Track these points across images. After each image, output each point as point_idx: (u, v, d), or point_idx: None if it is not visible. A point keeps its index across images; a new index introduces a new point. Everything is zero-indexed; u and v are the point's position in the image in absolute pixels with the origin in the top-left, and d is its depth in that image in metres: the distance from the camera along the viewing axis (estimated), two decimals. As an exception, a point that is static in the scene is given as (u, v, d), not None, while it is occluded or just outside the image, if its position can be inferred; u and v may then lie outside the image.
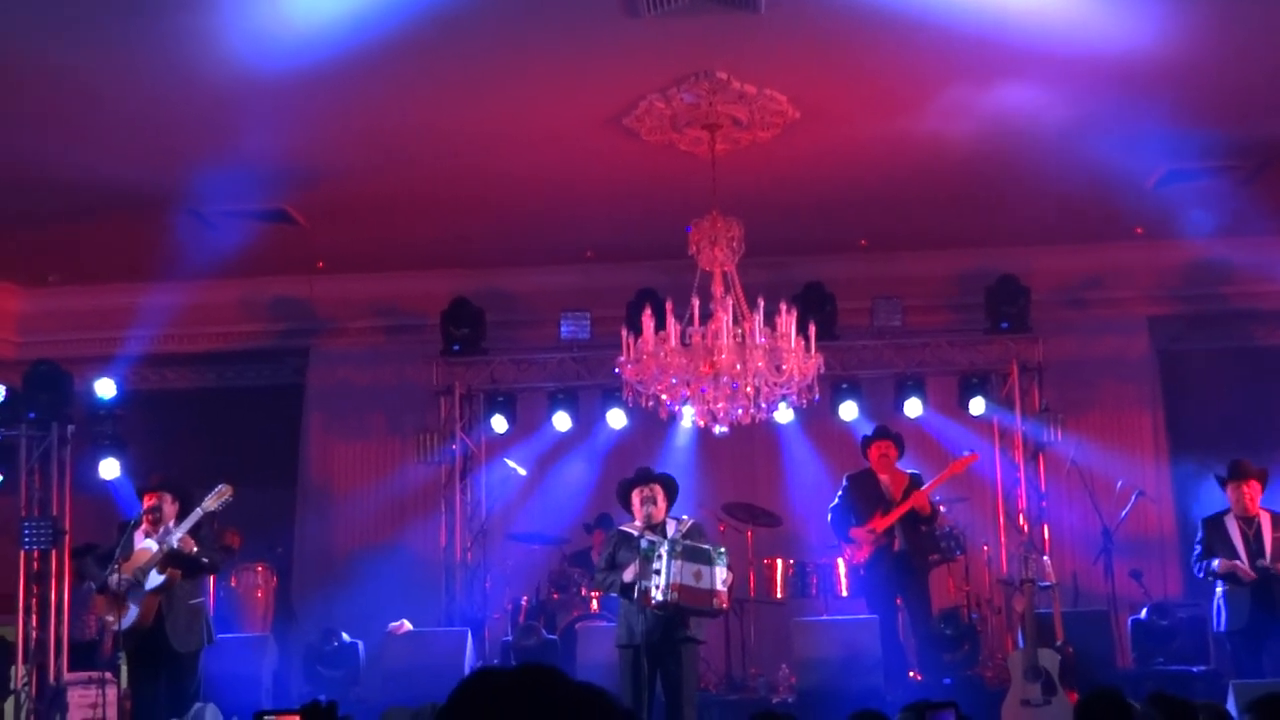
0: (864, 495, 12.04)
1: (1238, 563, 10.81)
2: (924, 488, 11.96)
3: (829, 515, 12.25)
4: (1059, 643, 10.95)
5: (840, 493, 12.21)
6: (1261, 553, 10.77)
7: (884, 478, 12.07)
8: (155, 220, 12.40)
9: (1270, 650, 10.73)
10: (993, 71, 9.92)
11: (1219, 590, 10.99)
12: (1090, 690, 6.15)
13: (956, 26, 9.11)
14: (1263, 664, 10.66)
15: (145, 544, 10.00)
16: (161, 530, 9.98)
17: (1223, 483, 11.09)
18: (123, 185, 11.64)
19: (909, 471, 12.14)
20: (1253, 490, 10.93)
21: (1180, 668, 11.93)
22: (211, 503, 9.90)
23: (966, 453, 12.61)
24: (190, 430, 15.09)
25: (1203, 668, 11.89)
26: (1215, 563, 10.87)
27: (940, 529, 12.62)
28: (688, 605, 9.59)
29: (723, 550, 9.88)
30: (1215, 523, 11.08)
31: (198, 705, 8.69)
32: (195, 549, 9.91)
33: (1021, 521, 13.71)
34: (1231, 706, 8.97)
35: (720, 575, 9.65)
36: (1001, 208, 12.81)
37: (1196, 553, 11.19)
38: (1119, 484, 13.22)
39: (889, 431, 12.35)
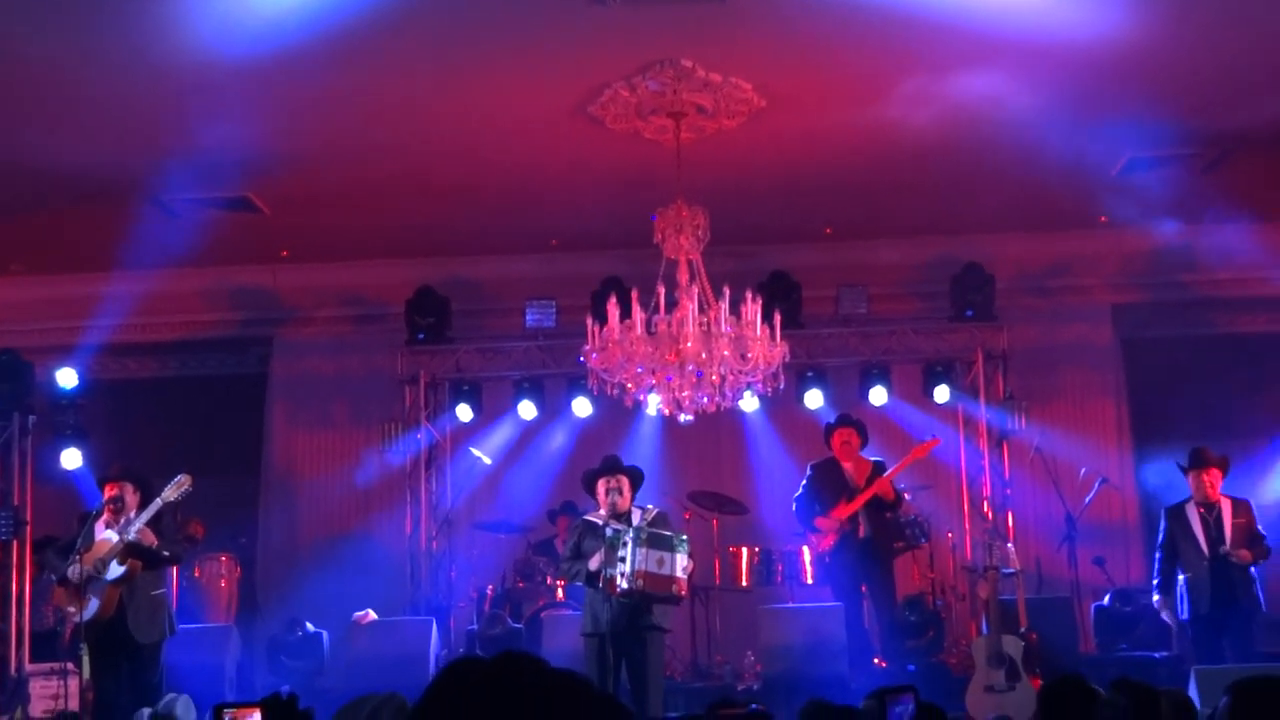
0: (828, 483, 12.05)
1: (1165, 614, 11.12)
2: (887, 474, 11.98)
3: (794, 504, 12.26)
4: (1023, 629, 11.01)
5: (804, 481, 12.22)
6: (1222, 539, 10.84)
7: (847, 465, 12.08)
8: (118, 208, 12.31)
9: (1230, 636, 10.81)
10: (957, 59, 9.93)
11: (1181, 578, 11.05)
12: (1055, 676, 6.17)
13: (921, 14, 9.12)
14: (1223, 650, 10.73)
15: (106, 535, 9.92)
16: (122, 521, 9.91)
17: (1184, 471, 11.15)
18: (85, 173, 11.56)
19: (872, 459, 12.16)
20: (1213, 478, 11.00)
21: (1143, 654, 12.01)
22: (171, 493, 9.83)
23: (929, 438, 12.64)
24: (153, 420, 15.02)
25: (1165, 654, 11.97)
26: (1155, 599, 11.08)
27: (905, 516, 12.65)
28: (652, 592, 9.61)
29: (685, 538, 9.89)
30: (1177, 512, 11.14)
31: (170, 696, 8.64)
32: (155, 540, 9.84)
33: (986, 509, 13.76)
34: (1193, 692, 9.03)
35: (681, 563, 9.67)
36: (966, 196, 12.83)
37: (1159, 541, 11.25)
38: (1082, 471, 13.29)
39: (851, 419, 12.36)
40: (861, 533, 11.88)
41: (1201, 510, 10.99)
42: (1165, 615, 11.16)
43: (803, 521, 12.18)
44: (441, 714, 2.27)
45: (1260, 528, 11.04)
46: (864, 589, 12.03)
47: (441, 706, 2.27)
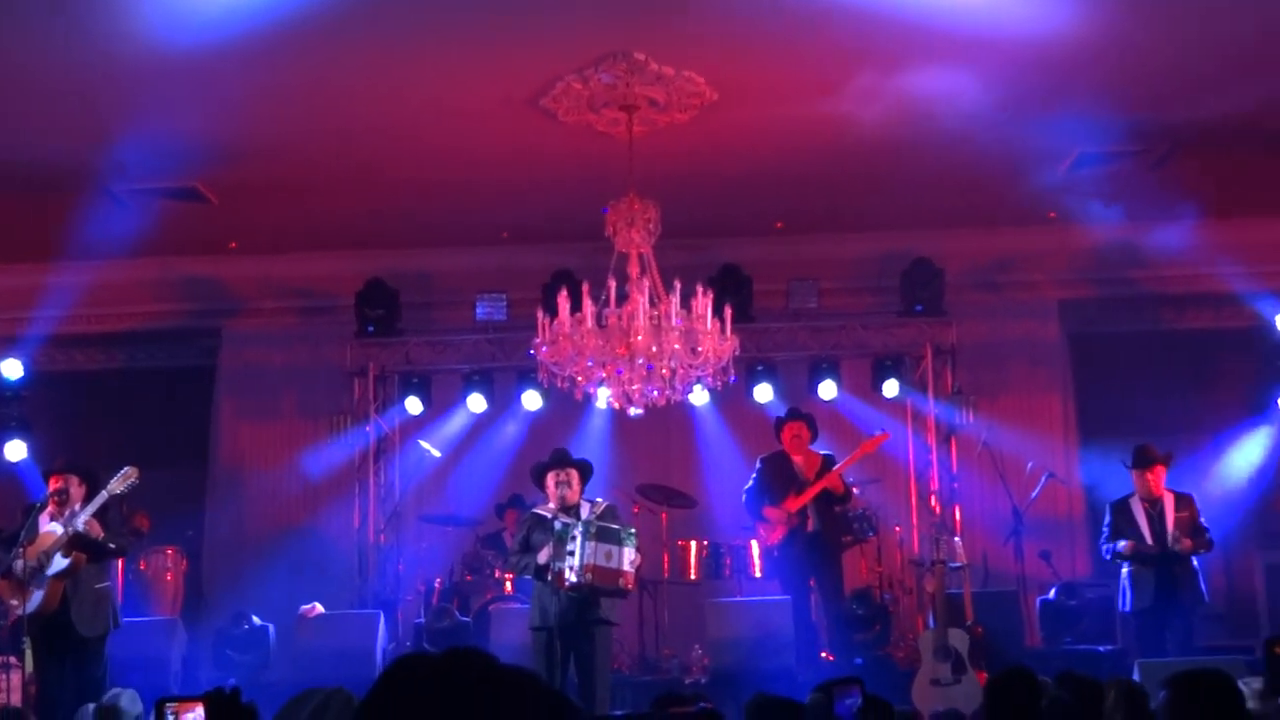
0: (777, 476, 12.06)
1: (1135, 543, 10.99)
2: (836, 468, 12.00)
3: (743, 496, 12.27)
4: (969, 622, 11.08)
5: (754, 474, 12.23)
6: (1165, 533, 10.96)
7: (797, 459, 12.10)
8: (64, 198, 12.17)
9: (1173, 629, 10.92)
10: (908, 55, 9.97)
11: (1124, 571, 11.16)
12: (1001, 669, 6.20)
13: (873, 10, 9.15)
14: (1166, 642, 10.83)
15: (50, 527, 9.82)
16: (67, 514, 9.82)
17: (1129, 468, 11.26)
18: (31, 162, 11.47)
19: (822, 453, 12.18)
20: (1156, 475, 11.14)
21: (1088, 647, 12.09)
22: (117, 485, 9.74)
23: (878, 432, 12.68)
24: (99, 412, 14.90)
25: (1110, 647, 12.06)
26: (1121, 544, 11.04)
27: (853, 510, 12.69)
28: (599, 585, 9.61)
29: (633, 531, 9.90)
30: (1121, 506, 11.26)
31: (115, 690, 8.55)
32: (100, 533, 9.76)
33: (933, 503, 13.83)
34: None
35: (629, 556, 9.68)
36: (917, 191, 12.87)
37: (1104, 535, 11.35)
38: (1029, 466, 13.37)
39: (801, 413, 12.38)
40: (810, 526, 11.90)
41: (1146, 505, 11.11)
42: (1122, 545, 11.10)
43: (752, 514, 12.20)
44: (388, 710, 2.25)
45: (1203, 521, 11.18)
46: (812, 582, 12.05)
47: (388, 702, 2.25)
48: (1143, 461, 11.16)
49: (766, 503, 12.01)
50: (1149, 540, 10.99)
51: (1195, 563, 11.04)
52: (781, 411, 12.69)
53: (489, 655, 2.29)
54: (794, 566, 11.97)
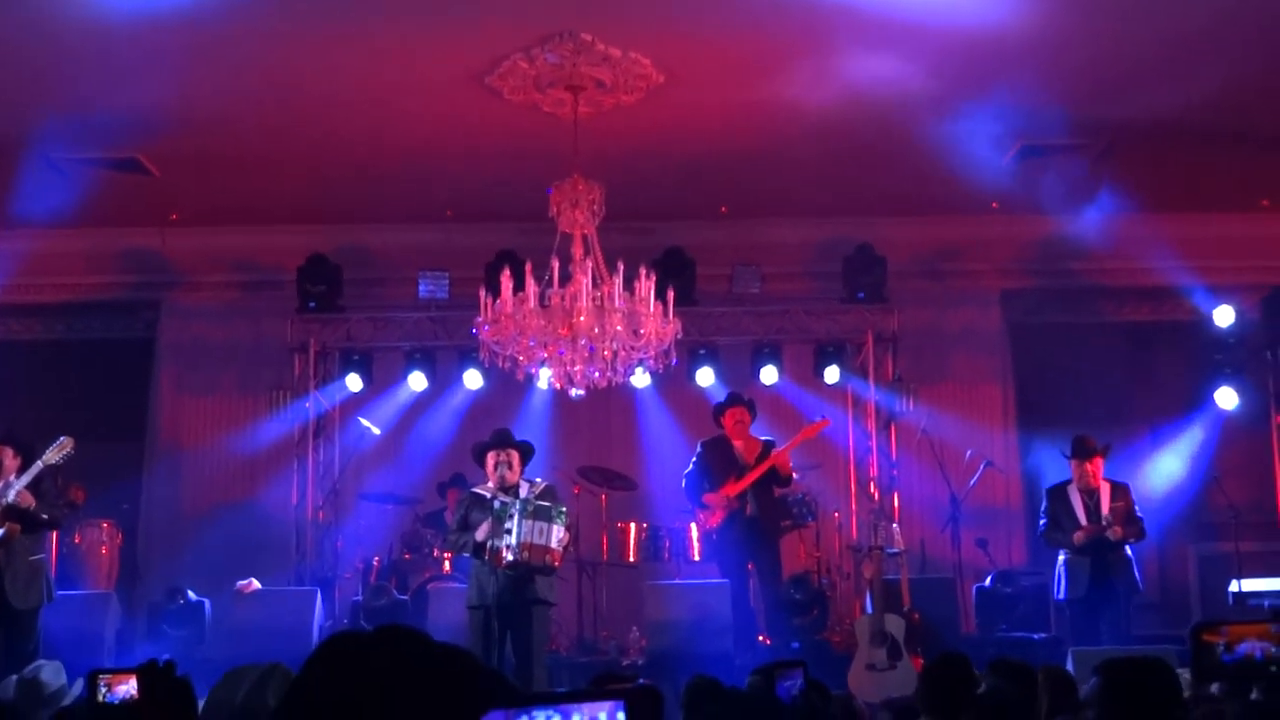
0: (718, 461, 12.10)
1: (1088, 526, 11.06)
2: (777, 451, 12.03)
3: (683, 480, 12.30)
4: (905, 608, 11.14)
5: (694, 458, 12.26)
6: (1099, 520, 11.08)
7: (738, 444, 12.13)
8: (2, 166, 12.04)
9: (1107, 618, 11.03)
10: (855, 41, 10.00)
11: (1060, 559, 11.27)
12: (936, 655, 6.25)
13: (820, -5, 9.16)
14: (1100, 631, 10.94)
15: (-16, 498, 9.75)
16: (1, 485, 9.73)
17: (1067, 458, 11.36)
18: (-33, 129, 11.33)
19: (762, 438, 12.22)
20: (1095, 466, 11.26)
21: (1022, 634, 12.20)
22: (52, 455, 9.67)
23: (819, 418, 12.72)
24: (36, 383, 14.72)
25: (1043, 635, 12.17)
26: (1077, 535, 11.08)
27: (792, 495, 12.75)
28: (535, 563, 9.63)
29: (564, 510, 9.93)
30: (1058, 493, 11.38)
31: (37, 662, 8.48)
32: (34, 504, 9.68)
33: (872, 489, 13.91)
34: (1071, 672, 9.17)
35: (557, 534, 9.73)
36: (861, 178, 12.92)
37: (1043, 523, 11.45)
38: (968, 454, 13.46)
39: (742, 398, 12.42)
40: (749, 511, 11.94)
41: (1083, 495, 11.22)
42: (1078, 535, 11.12)
43: (691, 498, 12.23)
44: (321, 686, 2.24)
45: (1138, 511, 11.30)
46: (750, 566, 12.10)
47: (321, 678, 2.25)
48: (1082, 452, 11.27)
49: (706, 487, 12.05)
50: (1083, 526, 11.10)
51: (1129, 552, 11.16)
52: (722, 396, 12.72)
53: (422, 632, 2.29)
54: (732, 550, 12.01)
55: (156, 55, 10.03)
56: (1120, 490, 11.31)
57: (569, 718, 2.29)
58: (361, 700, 2.19)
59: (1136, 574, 11.19)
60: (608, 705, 2.30)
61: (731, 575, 11.96)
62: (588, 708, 2.29)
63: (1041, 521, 11.48)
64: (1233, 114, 11.39)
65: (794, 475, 12.47)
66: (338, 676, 2.23)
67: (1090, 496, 11.21)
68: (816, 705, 5.28)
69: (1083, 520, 11.12)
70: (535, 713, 2.28)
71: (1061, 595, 11.29)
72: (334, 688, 2.22)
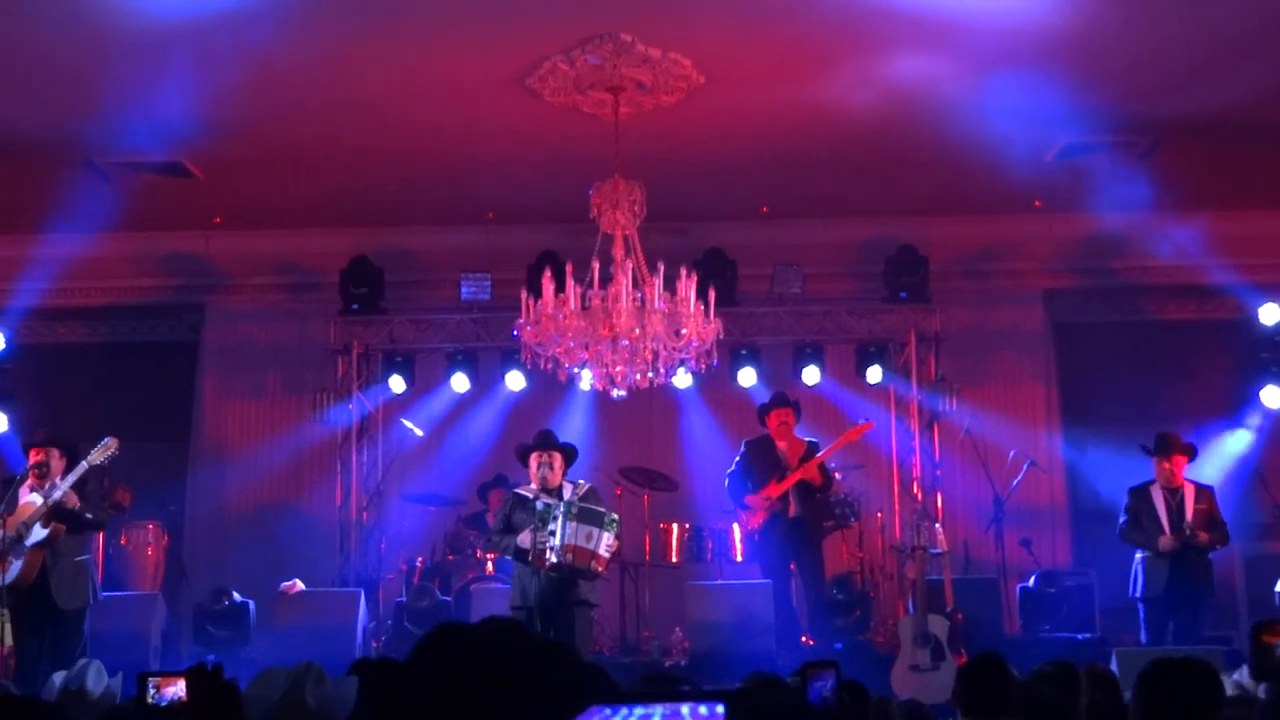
0: (761, 461, 12.08)
1: (1174, 535, 10.98)
2: (819, 455, 12.02)
3: (726, 480, 12.29)
4: (949, 609, 11.11)
5: (738, 458, 12.25)
6: (1184, 522, 11.00)
7: (781, 444, 12.12)
8: (48, 170, 12.13)
9: (1180, 618, 10.99)
10: (896, 41, 9.97)
11: (1138, 556, 11.20)
12: (974, 655, 6.23)
13: (860, -5, 9.14)
14: (1169, 631, 10.90)
15: (30, 498, 9.83)
16: (47, 485, 9.82)
17: (1149, 454, 11.26)
18: (14, 134, 11.42)
19: (807, 440, 12.20)
20: (1176, 464, 11.17)
21: (1066, 635, 12.13)
22: (97, 456, 9.75)
23: (861, 421, 12.70)
24: (82, 386, 14.85)
25: (1087, 635, 12.10)
26: (1163, 542, 10.98)
27: (835, 496, 12.72)
28: (579, 566, 9.65)
29: (616, 518, 9.95)
30: (1141, 492, 11.29)
31: (82, 661, 8.56)
32: (79, 504, 9.76)
33: (915, 489, 13.86)
34: (1115, 672, 9.12)
35: (606, 541, 9.75)
36: (902, 177, 12.88)
37: (1123, 520, 11.36)
38: (1011, 454, 13.38)
39: (787, 399, 12.40)
40: (791, 511, 11.92)
41: (1166, 494, 11.14)
42: (1164, 545, 11.02)
43: (734, 498, 12.22)
44: (430, 675, 2.25)
45: (1222, 515, 11.21)
46: (793, 567, 12.08)
47: (431, 668, 2.25)
48: (1164, 449, 11.20)
49: (749, 487, 12.04)
50: (1166, 528, 11.02)
51: (1210, 555, 11.11)
52: (765, 396, 12.71)
53: (523, 625, 2.30)
54: (775, 551, 12.00)
55: (200, 60, 10.08)
56: (1204, 493, 11.24)
57: (673, 715, 2.29)
58: (470, 690, 2.19)
59: (1214, 576, 11.14)
60: (708, 705, 2.30)
61: (774, 576, 11.95)
62: (688, 706, 2.29)
63: (1121, 519, 11.36)
64: (1278, 111, 11.29)
65: (836, 476, 12.45)
66: (447, 666, 2.23)
67: (1173, 496, 11.13)
68: (848, 705, 5.26)
69: (1164, 520, 11.03)
70: (635, 709, 2.28)
71: (1138, 592, 11.18)
72: (443, 677, 2.22)
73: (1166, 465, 11.17)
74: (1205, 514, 11.09)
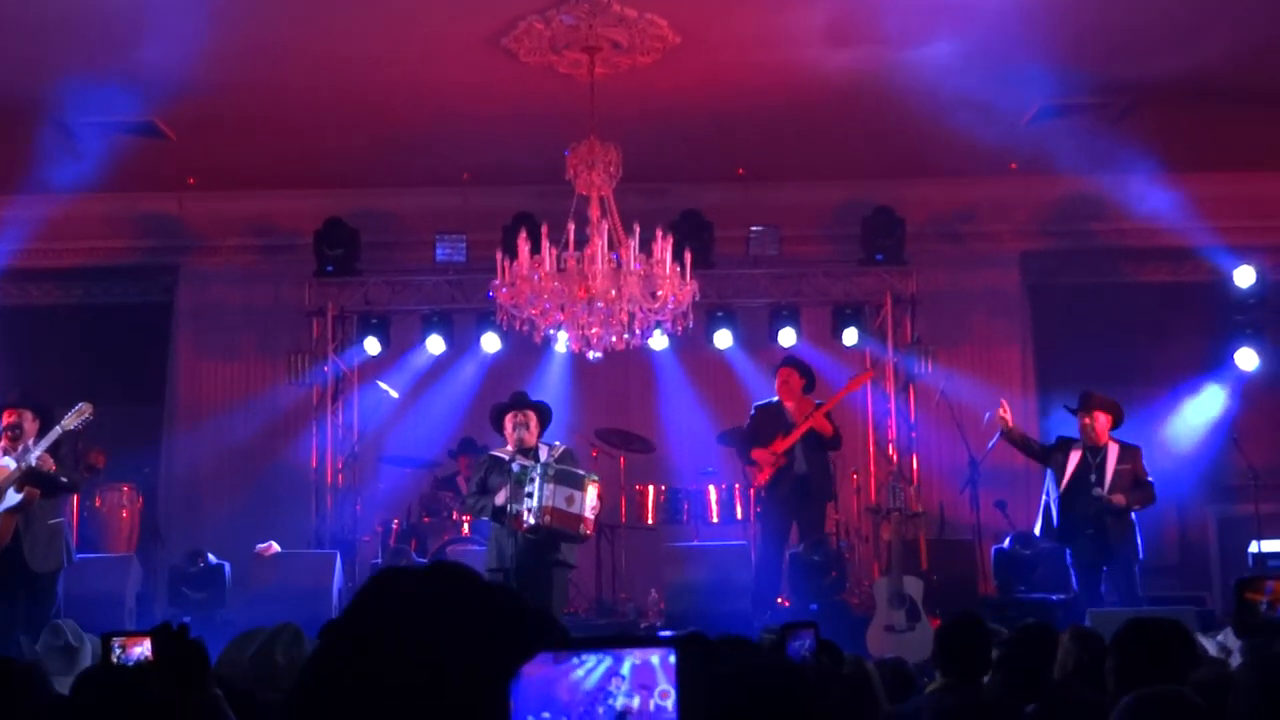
0: (768, 422, 12.09)
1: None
2: (821, 406, 12.03)
3: (726, 438, 12.36)
4: (924, 570, 11.14)
5: (749, 420, 12.30)
6: (1101, 482, 10.96)
7: (789, 405, 12.13)
8: (17, 131, 12.03)
9: (1112, 582, 11.01)
10: (872, 2, 9.93)
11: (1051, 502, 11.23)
12: (951, 616, 6.25)
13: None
14: (1104, 594, 10.94)
15: (4, 462, 9.77)
16: (20, 448, 9.77)
17: (1073, 413, 11.29)
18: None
19: (816, 401, 12.21)
20: (1096, 421, 11.10)
21: (1040, 596, 12.17)
22: (71, 420, 9.70)
23: (865, 369, 12.71)
24: (55, 348, 14.76)
25: (1062, 596, 12.13)
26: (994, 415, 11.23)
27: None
28: (558, 529, 9.63)
29: (595, 477, 9.94)
30: (1062, 444, 11.30)
31: (55, 622, 8.56)
32: (54, 467, 9.72)
33: (891, 451, 13.90)
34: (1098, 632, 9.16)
35: (589, 502, 9.72)
36: (879, 139, 12.86)
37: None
38: (986, 416, 13.37)
39: (793, 359, 12.46)
40: (797, 468, 11.94)
41: (1087, 453, 11.11)
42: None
43: (741, 456, 12.26)
44: (371, 618, 2.21)
45: (1149, 476, 11.18)
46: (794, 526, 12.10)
47: (372, 610, 2.21)
48: (1084, 405, 11.18)
49: (757, 445, 12.05)
50: (1063, 483, 11.03)
51: (1133, 517, 11.07)
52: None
53: (473, 569, 2.26)
54: (778, 508, 11.99)
55: (172, 17, 10.00)
56: (1129, 452, 11.13)
57: (620, 662, 2.27)
58: (411, 633, 2.16)
59: (1139, 539, 11.09)
60: (659, 651, 2.28)
61: (773, 534, 11.98)
62: (639, 653, 2.28)
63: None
64: (1253, 73, 11.31)
65: (839, 434, 12.42)
66: (388, 609, 2.20)
67: (1095, 454, 11.10)
68: (826, 665, 5.28)
69: (1068, 475, 11.02)
70: (585, 656, 2.27)
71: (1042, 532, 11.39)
72: (384, 620, 2.19)
73: (1087, 420, 11.10)
74: (1129, 474, 11.02)
